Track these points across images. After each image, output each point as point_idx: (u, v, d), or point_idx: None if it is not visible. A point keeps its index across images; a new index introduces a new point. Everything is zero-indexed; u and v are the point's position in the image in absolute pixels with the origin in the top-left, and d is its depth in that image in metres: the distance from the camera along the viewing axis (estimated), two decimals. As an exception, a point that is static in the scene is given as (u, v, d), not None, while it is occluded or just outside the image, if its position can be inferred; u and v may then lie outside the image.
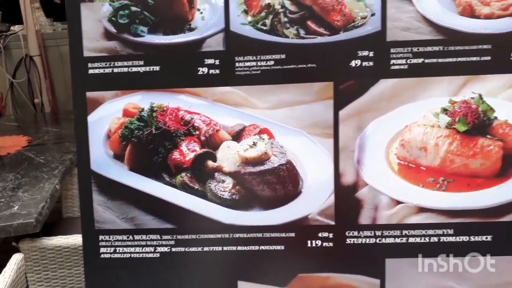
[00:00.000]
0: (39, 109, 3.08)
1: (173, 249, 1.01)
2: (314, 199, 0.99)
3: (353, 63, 0.96)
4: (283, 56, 0.96)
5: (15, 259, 1.42)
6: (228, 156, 1.00)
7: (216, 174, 1.00)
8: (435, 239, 0.99)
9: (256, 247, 1.01)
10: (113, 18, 0.99)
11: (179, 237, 1.01)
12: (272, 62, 0.96)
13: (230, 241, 1.01)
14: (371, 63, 0.96)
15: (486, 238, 0.98)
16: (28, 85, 3.08)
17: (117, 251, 1.02)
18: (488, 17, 0.94)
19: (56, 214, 1.90)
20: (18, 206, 1.55)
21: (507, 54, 0.94)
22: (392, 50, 0.95)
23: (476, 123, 0.97)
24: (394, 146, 1.01)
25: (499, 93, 0.96)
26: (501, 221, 0.97)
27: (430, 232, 0.99)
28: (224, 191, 1.00)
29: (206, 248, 1.01)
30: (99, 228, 1.02)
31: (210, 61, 0.95)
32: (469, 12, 0.94)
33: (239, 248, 1.01)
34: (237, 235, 1.01)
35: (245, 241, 1.01)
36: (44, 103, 3.06)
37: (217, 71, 0.96)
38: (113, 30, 1.00)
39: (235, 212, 1.00)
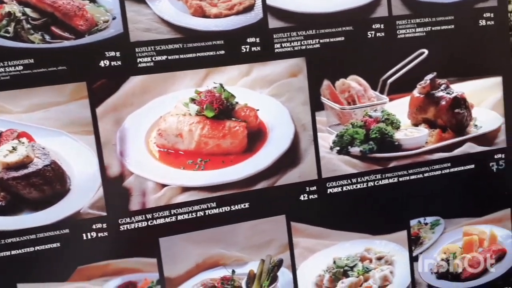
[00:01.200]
0: None
1: None
2: (83, 194, 1.04)
3: (102, 63, 1.03)
4: (31, 61, 0.99)
5: None
6: (-13, 164, 1.01)
7: (-25, 183, 1.00)
8: (201, 213, 1.11)
9: (31, 249, 1.03)
10: None
11: None
12: (21, 67, 0.99)
13: (2, 247, 1.02)
14: (119, 62, 1.04)
15: (245, 205, 1.14)
16: None
17: None
18: (217, 16, 1.08)
19: None
20: None
21: (238, 48, 1.10)
22: (137, 50, 1.04)
23: (221, 109, 1.11)
24: (152, 136, 1.11)
25: (237, 81, 1.12)
26: (255, 189, 1.12)
27: (196, 207, 1.11)
28: (-12, 199, 1.01)
29: (-23, 258, 1.02)
30: None
31: (-51, 70, 0.96)
32: (200, 13, 1.07)
33: (14, 252, 1.02)
34: (9, 240, 1.02)
35: (19, 244, 1.02)
36: None
37: (-41, 80, 0.97)
38: None
39: (3, 218, 1.00)
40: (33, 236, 1.02)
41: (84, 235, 1.05)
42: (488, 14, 1.22)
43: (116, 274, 1.09)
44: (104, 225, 1.06)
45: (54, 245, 1.03)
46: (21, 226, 1.01)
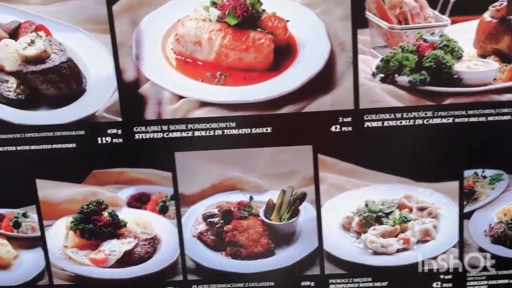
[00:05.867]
0: None
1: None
2: (99, 96, 1.01)
3: None
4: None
5: None
6: (8, 55, 0.99)
7: (-2, 74, 1.01)
8: (219, 132, 1.03)
9: (49, 146, 1.03)
10: None
11: (-31, 139, 1.03)
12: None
13: (22, 140, 1.03)
14: None
15: (267, 130, 1.03)
16: None
17: None
18: None
19: None
20: None
21: None
22: None
23: (245, 16, 0.97)
24: (170, 41, 1.01)
25: (266, -15, 0.98)
26: (279, 113, 1.00)
27: (214, 125, 1.02)
28: (9, 91, 1.00)
29: (0, 148, 1.05)
30: None
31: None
32: None
33: (33, 147, 1.04)
34: (28, 135, 1.03)
35: (37, 140, 1.03)
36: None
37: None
38: None
39: (23, 112, 1.01)
40: (50, 134, 1.02)
41: (99, 139, 1.04)
42: None
43: (130, 183, 1.08)
44: (119, 131, 1.02)
45: (70, 145, 1.03)
46: (39, 122, 1.01)
